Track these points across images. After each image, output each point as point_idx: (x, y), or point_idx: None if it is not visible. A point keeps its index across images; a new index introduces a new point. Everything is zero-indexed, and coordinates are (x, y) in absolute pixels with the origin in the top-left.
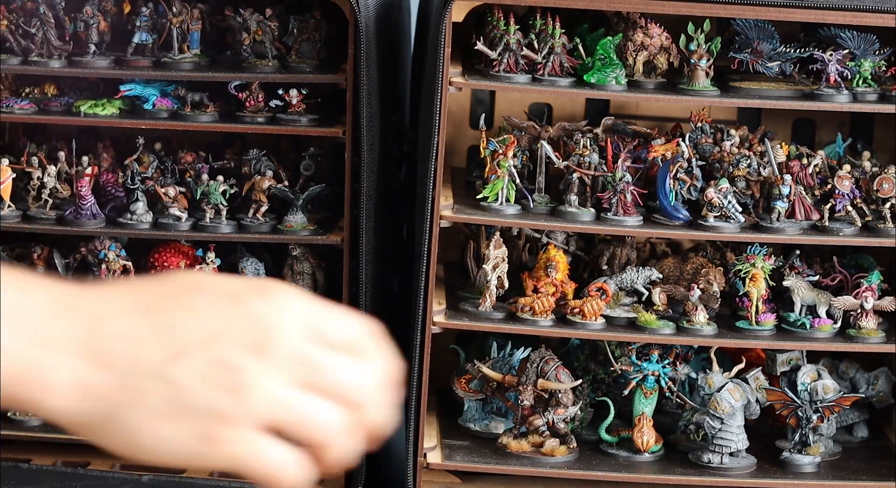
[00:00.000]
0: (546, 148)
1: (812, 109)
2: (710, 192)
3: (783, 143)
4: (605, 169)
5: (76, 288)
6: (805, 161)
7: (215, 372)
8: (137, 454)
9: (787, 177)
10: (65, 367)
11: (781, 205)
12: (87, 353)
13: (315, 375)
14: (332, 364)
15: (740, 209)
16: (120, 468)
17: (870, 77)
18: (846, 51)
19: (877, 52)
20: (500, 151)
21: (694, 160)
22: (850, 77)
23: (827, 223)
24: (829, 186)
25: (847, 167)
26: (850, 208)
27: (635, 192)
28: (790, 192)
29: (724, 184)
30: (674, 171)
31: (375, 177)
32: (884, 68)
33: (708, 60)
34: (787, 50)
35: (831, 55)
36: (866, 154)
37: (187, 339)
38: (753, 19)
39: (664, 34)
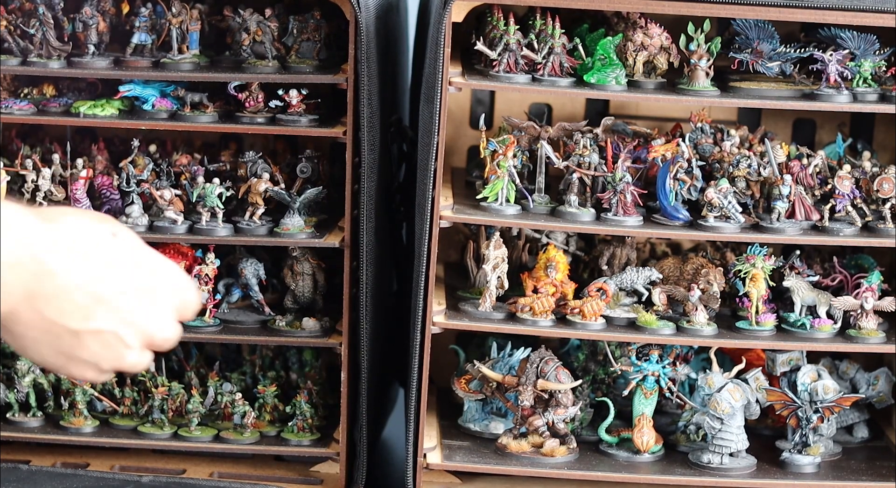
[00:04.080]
0: (546, 148)
1: (812, 109)
2: (710, 193)
3: (783, 144)
4: (605, 169)
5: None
6: (805, 161)
7: (109, 347)
8: (22, 348)
9: (788, 177)
10: (21, 310)
11: (781, 206)
12: (32, 305)
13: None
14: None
15: (740, 209)
16: (119, 469)
17: (870, 77)
18: (846, 51)
19: (877, 53)
20: (500, 151)
21: (694, 160)
22: (850, 77)
23: (827, 223)
24: (829, 186)
25: (847, 167)
26: (850, 208)
27: (635, 193)
28: (790, 193)
29: (724, 184)
30: (674, 172)
31: (375, 178)
32: (884, 68)
33: (708, 60)
34: (787, 50)
35: (831, 55)
36: (866, 154)
37: (102, 314)
38: (753, 19)
39: (664, 34)
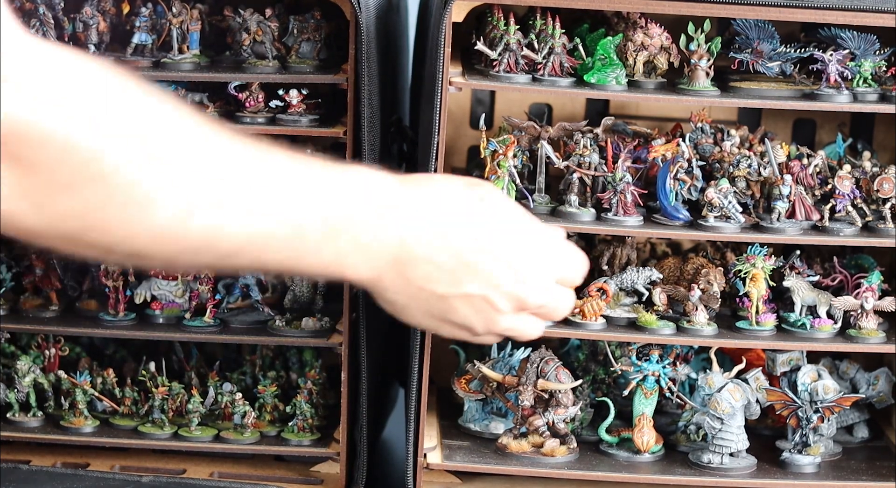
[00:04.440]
0: (546, 148)
1: (812, 109)
2: (710, 192)
3: (783, 144)
4: (606, 169)
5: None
6: (805, 161)
7: (480, 311)
8: (395, 313)
9: (788, 177)
10: (387, 278)
11: (782, 206)
12: (399, 272)
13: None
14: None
15: (740, 209)
16: (120, 469)
17: (870, 77)
18: (846, 51)
19: (877, 53)
20: (500, 151)
21: (694, 160)
22: (850, 77)
23: (827, 223)
24: (829, 187)
25: (847, 167)
26: (850, 208)
27: (635, 192)
28: (790, 192)
29: (725, 184)
30: (674, 172)
31: None
32: (884, 68)
33: (708, 60)
34: (788, 50)
35: (831, 55)
36: (866, 154)
37: (471, 277)
38: (753, 19)
39: (664, 34)
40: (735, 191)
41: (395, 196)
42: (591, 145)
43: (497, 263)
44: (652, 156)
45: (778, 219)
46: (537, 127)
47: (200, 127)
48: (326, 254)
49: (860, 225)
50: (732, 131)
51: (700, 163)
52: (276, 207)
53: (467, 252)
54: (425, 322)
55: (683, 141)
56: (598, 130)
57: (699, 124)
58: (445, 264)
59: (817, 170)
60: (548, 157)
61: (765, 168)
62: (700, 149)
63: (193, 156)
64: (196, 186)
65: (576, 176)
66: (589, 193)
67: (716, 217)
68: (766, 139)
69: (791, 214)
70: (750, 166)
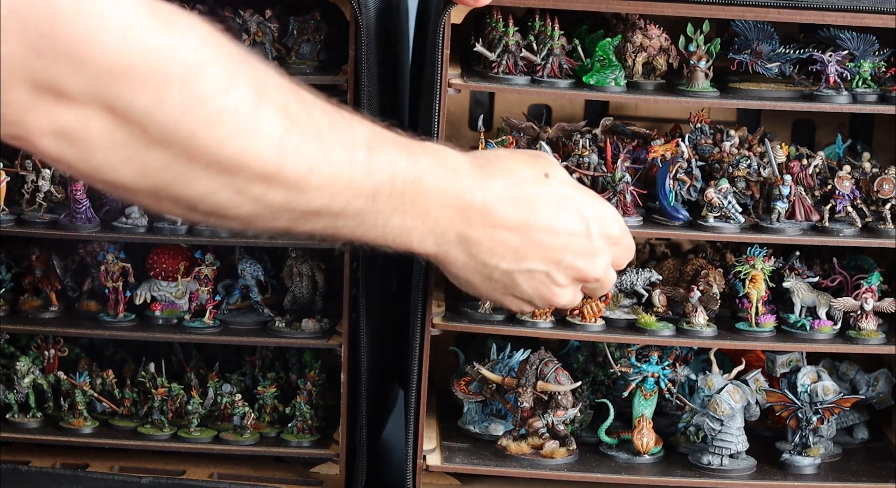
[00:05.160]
0: (545, 149)
1: (811, 110)
2: (710, 193)
3: (783, 144)
4: (605, 169)
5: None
6: (805, 161)
7: (541, 286)
8: (460, 286)
9: (788, 177)
10: (452, 253)
11: (781, 206)
12: (464, 248)
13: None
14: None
15: (740, 209)
16: (119, 470)
17: (869, 78)
18: (846, 52)
19: (876, 53)
20: None
21: (693, 161)
22: (849, 78)
23: (827, 224)
24: (829, 187)
25: (847, 168)
26: (850, 209)
27: (635, 192)
28: (790, 193)
29: (724, 184)
30: (673, 172)
31: None
32: (883, 69)
33: (707, 61)
34: (787, 51)
35: (831, 56)
36: (866, 155)
37: (533, 254)
38: (753, 20)
39: (663, 35)
40: (735, 192)
41: (463, 174)
42: (590, 145)
43: (559, 240)
44: (651, 156)
45: (778, 220)
46: (536, 128)
47: (290, 83)
48: (394, 224)
49: (860, 225)
50: (731, 132)
51: (699, 163)
52: (360, 169)
53: (531, 229)
54: (489, 295)
55: (683, 141)
56: (597, 131)
57: (698, 124)
58: (510, 241)
59: (817, 170)
60: None
61: (764, 168)
62: (699, 149)
63: (285, 106)
64: (284, 136)
65: (575, 176)
66: None
67: (715, 217)
68: (765, 139)
69: (791, 215)
70: (750, 166)
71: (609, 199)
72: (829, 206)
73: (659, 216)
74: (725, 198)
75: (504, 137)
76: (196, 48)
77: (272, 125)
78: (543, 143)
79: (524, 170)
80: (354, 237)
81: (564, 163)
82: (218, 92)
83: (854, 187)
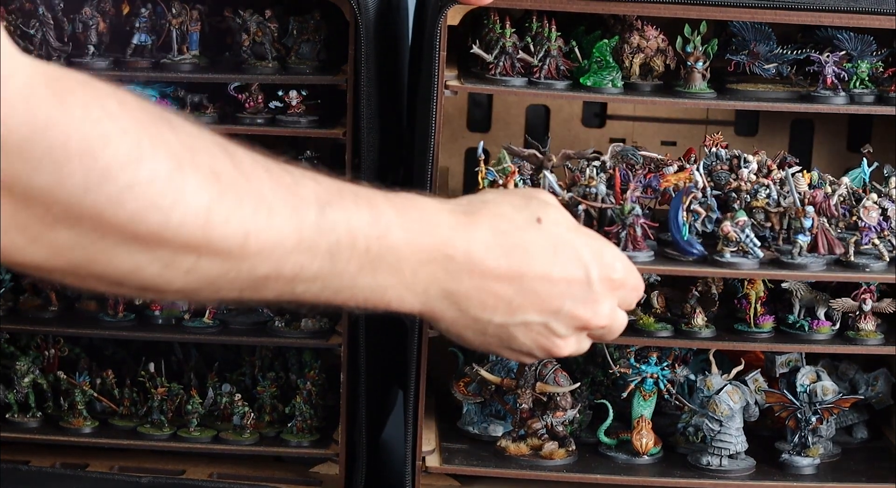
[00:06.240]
0: (549, 178)
1: (809, 111)
2: (727, 226)
3: (805, 172)
4: (613, 200)
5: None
6: (829, 189)
7: (540, 337)
8: (453, 340)
9: (810, 208)
10: (438, 309)
11: (804, 239)
12: (451, 303)
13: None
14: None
15: (759, 243)
16: (119, 470)
17: (867, 78)
18: (843, 52)
19: (874, 54)
20: (500, 182)
21: (709, 189)
22: (847, 78)
23: (852, 258)
24: (854, 218)
25: (874, 196)
26: (876, 241)
27: (646, 225)
28: (813, 225)
29: (742, 216)
30: (687, 203)
31: (374, 179)
32: (881, 70)
33: (704, 62)
34: (784, 51)
35: (828, 57)
36: (893, 181)
37: (529, 305)
38: (750, 21)
39: (660, 36)
40: (753, 223)
41: (445, 227)
42: (597, 175)
43: (556, 288)
44: (664, 185)
45: (800, 254)
46: (539, 155)
47: (227, 145)
48: (363, 284)
49: (888, 259)
50: (749, 157)
51: (715, 192)
52: (310, 229)
53: (525, 278)
54: (484, 347)
55: (697, 169)
56: (605, 157)
57: (714, 149)
58: (502, 292)
59: (841, 199)
60: (551, 188)
61: (784, 197)
62: (715, 176)
63: (215, 171)
64: (212, 203)
65: (581, 208)
66: (596, 226)
67: (732, 252)
68: (786, 167)
69: (813, 247)
70: (769, 196)
71: (618, 233)
72: (853, 239)
73: (671, 250)
74: (743, 231)
75: (505, 165)
76: (98, 121)
77: (195, 193)
78: (547, 173)
79: (514, 215)
80: (321, 301)
81: (570, 193)
82: (126, 166)
83: (881, 218)
